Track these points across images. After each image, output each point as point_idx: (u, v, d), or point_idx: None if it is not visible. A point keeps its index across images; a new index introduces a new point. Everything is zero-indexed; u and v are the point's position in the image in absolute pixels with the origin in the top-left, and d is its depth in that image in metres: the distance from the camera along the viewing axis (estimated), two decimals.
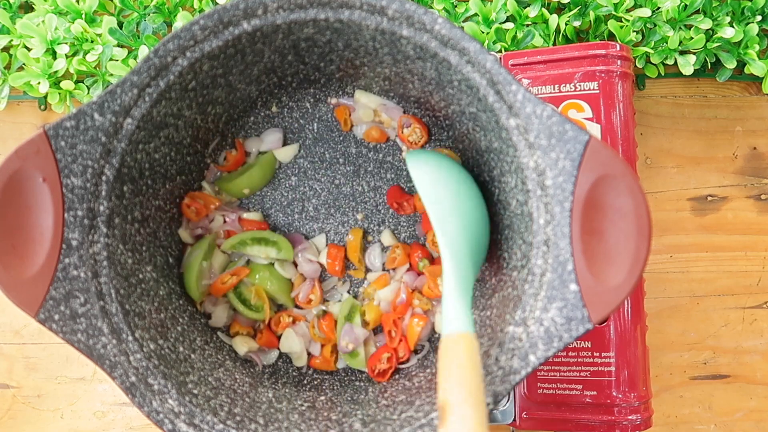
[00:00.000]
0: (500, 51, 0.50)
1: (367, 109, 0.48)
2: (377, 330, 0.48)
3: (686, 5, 0.49)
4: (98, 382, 0.53)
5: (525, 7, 0.51)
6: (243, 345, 0.46)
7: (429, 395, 0.39)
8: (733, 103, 0.54)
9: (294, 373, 0.47)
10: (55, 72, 0.51)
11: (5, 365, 0.53)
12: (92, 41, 0.51)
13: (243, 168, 0.48)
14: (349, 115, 0.48)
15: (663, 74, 0.51)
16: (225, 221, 0.48)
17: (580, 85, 0.46)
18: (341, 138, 0.49)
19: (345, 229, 0.49)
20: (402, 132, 0.48)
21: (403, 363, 0.47)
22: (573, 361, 0.45)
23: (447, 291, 0.37)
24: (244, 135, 0.49)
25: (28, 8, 0.54)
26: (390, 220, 0.49)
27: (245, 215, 0.48)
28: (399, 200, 0.48)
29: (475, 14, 0.51)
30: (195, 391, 0.38)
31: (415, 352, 0.47)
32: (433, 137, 0.49)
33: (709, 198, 0.53)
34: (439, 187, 0.42)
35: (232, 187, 0.47)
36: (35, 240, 0.36)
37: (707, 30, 0.50)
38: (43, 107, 0.54)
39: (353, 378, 0.47)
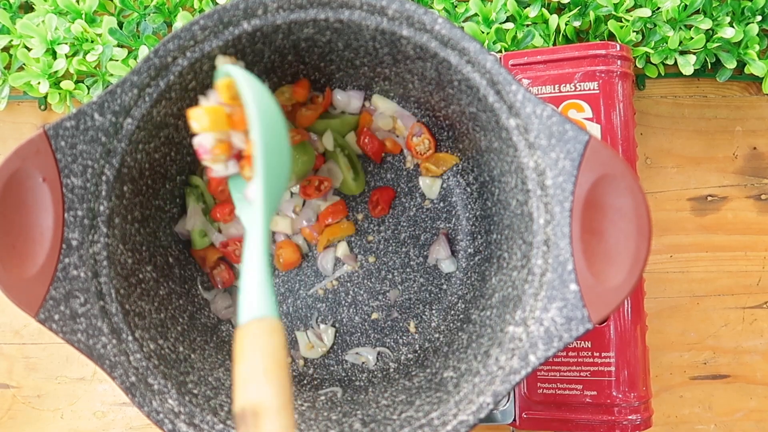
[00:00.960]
0: (500, 51, 0.50)
1: (386, 118, 0.48)
2: None
3: (686, 5, 0.49)
4: (98, 382, 0.53)
5: (525, 7, 0.51)
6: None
7: (429, 395, 0.39)
8: (733, 103, 0.54)
9: (294, 373, 0.47)
10: (55, 72, 0.51)
11: (5, 365, 0.53)
12: (92, 41, 0.51)
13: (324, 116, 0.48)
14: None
15: (663, 74, 0.51)
16: None
17: (580, 85, 0.46)
18: None
19: None
20: (411, 140, 0.48)
21: None
22: (573, 361, 0.45)
23: (250, 264, 0.31)
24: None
25: (28, 8, 0.54)
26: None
27: None
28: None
29: (475, 14, 0.51)
30: (195, 391, 0.38)
31: (416, 352, 0.48)
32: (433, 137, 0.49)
33: (709, 198, 0.53)
34: (265, 111, 0.34)
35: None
36: (35, 240, 0.36)
37: (707, 30, 0.50)
38: (43, 107, 0.54)
39: (353, 378, 0.47)
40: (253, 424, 0.26)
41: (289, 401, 0.27)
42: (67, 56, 0.51)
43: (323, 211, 0.48)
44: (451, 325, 0.47)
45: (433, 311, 0.48)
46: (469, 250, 0.48)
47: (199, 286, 0.48)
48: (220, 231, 0.48)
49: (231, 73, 0.36)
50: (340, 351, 0.48)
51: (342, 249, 0.48)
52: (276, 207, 0.35)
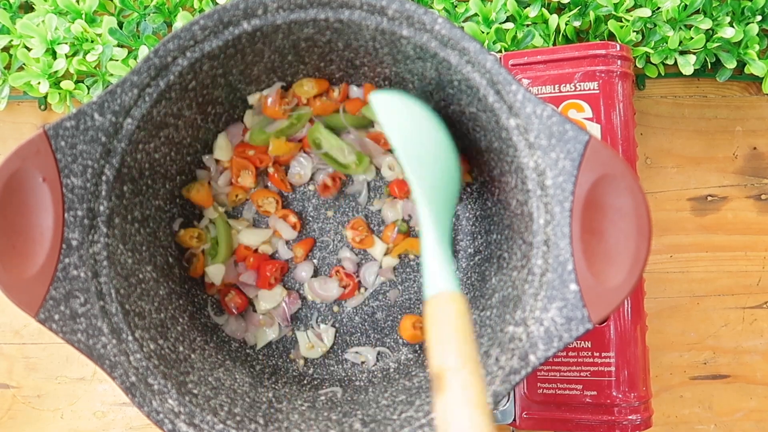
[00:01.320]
0: (500, 51, 0.50)
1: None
2: None
3: (686, 5, 0.49)
4: (98, 382, 0.53)
5: (525, 7, 0.51)
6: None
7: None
8: (733, 103, 0.54)
9: (294, 373, 0.47)
10: (55, 72, 0.51)
11: (5, 365, 0.53)
12: (92, 41, 0.51)
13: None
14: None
15: (663, 74, 0.51)
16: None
17: (580, 85, 0.46)
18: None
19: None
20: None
21: None
22: (573, 361, 0.45)
23: (428, 246, 0.35)
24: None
25: (28, 8, 0.54)
26: None
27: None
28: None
29: (475, 14, 0.51)
30: (195, 391, 0.38)
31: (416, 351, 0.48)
32: None
33: (709, 198, 0.53)
34: (408, 129, 0.39)
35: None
36: (35, 240, 0.36)
37: (707, 30, 0.50)
38: (43, 107, 0.54)
39: (353, 378, 0.47)
40: (442, 383, 0.29)
41: (471, 360, 0.29)
42: (67, 56, 0.51)
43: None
44: None
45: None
46: (469, 250, 0.48)
47: (210, 311, 0.47)
48: (235, 264, 0.48)
49: (371, 102, 0.40)
50: (340, 351, 0.48)
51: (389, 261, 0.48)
52: (449, 203, 0.39)
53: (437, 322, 0.31)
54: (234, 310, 0.48)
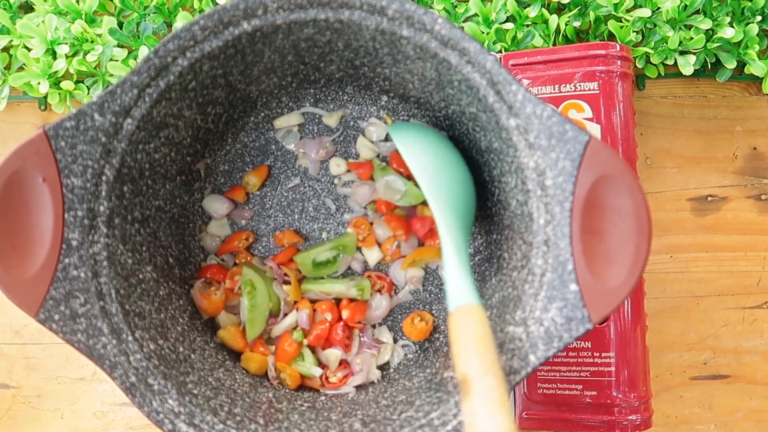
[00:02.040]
0: (500, 51, 0.50)
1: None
2: None
3: (686, 5, 0.49)
4: (98, 382, 0.53)
5: (525, 8, 0.51)
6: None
7: (429, 395, 0.39)
8: (733, 103, 0.54)
9: None
10: (55, 72, 0.51)
11: (5, 365, 0.53)
12: (92, 41, 0.51)
13: None
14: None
15: (663, 74, 0.51)
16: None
17: (580, 86, 0.46)
18: (341, 138, 0.49)
19: (344, 229, 0.49)
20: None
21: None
22: (573, 361, 0.45)
23: (449, 263, 0.38)
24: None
25: (28, 8, 0.54)
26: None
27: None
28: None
29: (475, 14, 0.51)
30: (195, 391, 0.38)
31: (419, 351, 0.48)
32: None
33: (709, 198, 0.53)
34: (425, 156, 0.43)
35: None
36: (35, 240, 0.36)
37: (707, 30, 0.50)
38: (43, 107, 0.54)
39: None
40: (468, 388, 0.31)
41: (492, 367, 0.31)
42: (67, 56, 0.51)
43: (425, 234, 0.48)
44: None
45: (433, 311, 0.48)
46: (469, 250, 0.48)
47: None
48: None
49: (390, 134, 0.45)
50: None
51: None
52: (467, 222, 0.42)
53: (461, 333, 0.33)
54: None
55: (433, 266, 0.48)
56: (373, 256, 0.48)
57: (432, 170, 0.42)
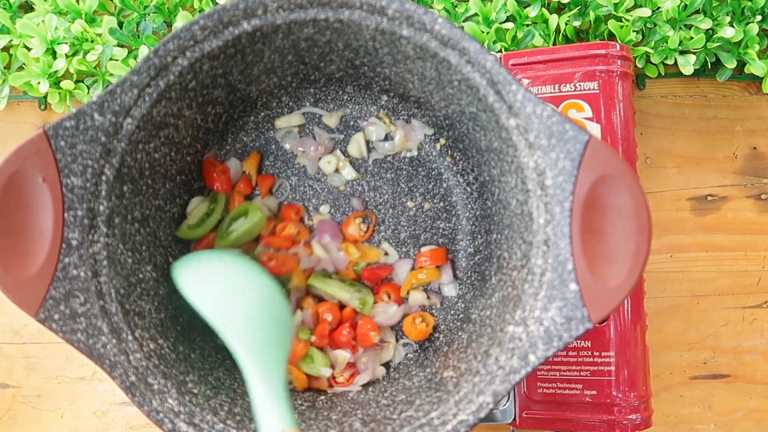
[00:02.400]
0: (500, 51, 0.50)
1: None
2: None
3: (686, 5, 0.49)
4: (98, 382, 0.53)
5: (525, 7, 0.51)
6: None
7: (429, 395, 0.39)
8: (733, 103, 0.54)
9: None
10: (55, 72, 0.51)
11: (5, 365, 0.53)
12: (92, 41, 0.51)
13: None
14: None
15: (663, 74, 0.51)
16: None
17: (580, 85, 0.46)
18: (341, 138, 0.49)
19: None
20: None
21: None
22: (573, 361, 0.45)
23: (258, 397, 0.37)
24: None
25: (28, 8, 0.54)
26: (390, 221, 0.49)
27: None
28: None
29: (475, 14, 0.51)
30: (195, 391, 0.38)
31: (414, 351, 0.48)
32: (432, 135, 0.49)
33: (709, 198, 0.53)
34: (219, 291, 0.39)
35: None
36: (35, 240, 0.36)
37: (707, 30, 0.50)
38: (43, 107, 0.54)
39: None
40: None
41: None
42: (67, 56, 0.51)
43: (420, 254, 0.48)
44: (451, 324, 0.47)
45: (433, 310, 0.48)
46: (469, 250, 0.48)
47: None
48: None
49: (173, 274, 0.40)
50: None
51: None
52: (280, 349, 0.39)
53: None
54: None
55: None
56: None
57: (230, 304, 0.38)
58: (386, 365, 0.47)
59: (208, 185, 0.47)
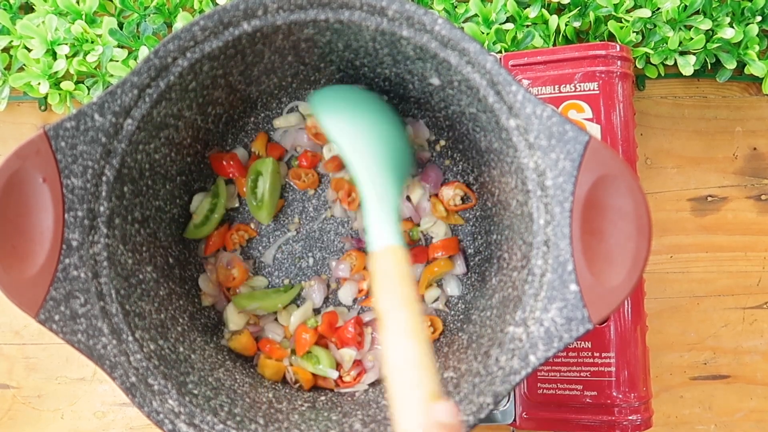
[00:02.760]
0: (500, 51, 0.50)
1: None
2: None
3: (686, 6, 0.49)
4: (98, 383, 0.53)
5: (525, 8, 0.51)
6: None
7: None
8: (733, 103, 0.54)
9: None
10: (56, 73, 0.51)
11: (5, 365, 0.53)
12: (92, 42, 0.51)
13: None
14: None
15: (663, 75, 0.51)
16: None
17: (580, 86, 0.46)
18: None
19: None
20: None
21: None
22: (573, 362, 0.45)
23: (369, 209, 0.39)
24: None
25: (29, 9, 0.54)
26: None
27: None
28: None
29: (475, 15, 0.51)
30: (195, 392, 0.38)
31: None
32: (434, 136, 0.49)
33: (709, 198, 0.53)
34: (348, 120, 0.42)
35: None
36: (35, 240, 0.36)
37: (707, 30, 0.50)
38: (43, 108, 0.54)
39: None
40: (383, 321, 0.33)
41: (405, 302, 0.33)
42: (67, 57, 0.51)
43: (433, 245, 0.48)
44: (451, 325, 0.47)
45: (441, 314, 0.48)
46: (469, 251, 0.48)
47: (211, 312, 0.48)
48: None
49: (310, 105, 0.44)
50: None
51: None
52: (398, 177, 0.41)
53: (380, 272, 0.35)
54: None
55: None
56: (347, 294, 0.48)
57: (357, 133, 0.41)
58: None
59: (222, 175, 0.48)
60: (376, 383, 0.46)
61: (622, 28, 0.49)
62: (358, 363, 0.47)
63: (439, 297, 0.48)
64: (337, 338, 0.47)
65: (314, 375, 0.46)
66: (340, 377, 0.46)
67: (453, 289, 0.48)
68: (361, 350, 0.47)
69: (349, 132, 0.41)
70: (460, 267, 0.47)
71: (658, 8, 0.49)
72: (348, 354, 0.46)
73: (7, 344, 0.53)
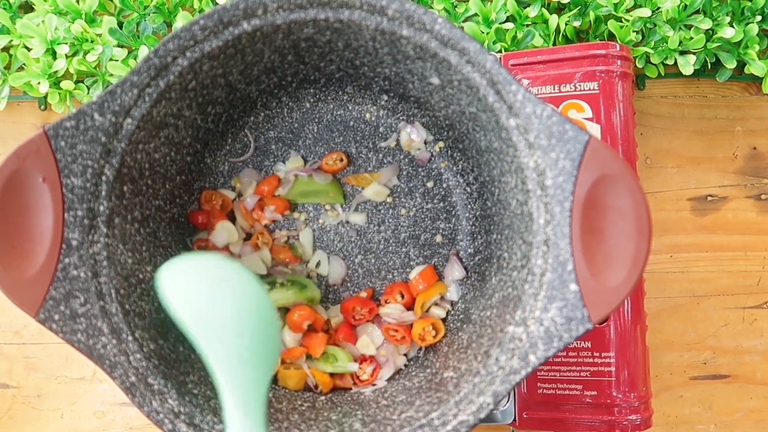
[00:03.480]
0: (500, 51, 0.50)
1: None
2: None
3: (686, 5, 0.49)
4: (98, 382, 0.53)
5: (525, 7, 0.51)
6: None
7: (429, 395, 0.39)
8: (733, 103, 0.54)
9: None
10: (55, 72, 0.51)
11: (5, 365, 0.53)
12: (92, 41, 0.51)
13: None
14: None
15: (663, 74, 0.51)
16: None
17: (580, 85, 0.46)
18: (341, 139, 0.49)
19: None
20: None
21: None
22: (573, 361, 0.45)
23: (230, 415, 0.32)
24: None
25: (28, 8, 0.54)
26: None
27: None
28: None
29: (475, 14, 0.51)
30: (195, 391, 0.38)
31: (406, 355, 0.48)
32: (433, 137, 0.49)
33: (709, 198, 0.53)
34: (202, 301, 0.33)
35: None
36: (35, 240, 0.36)
37: (707, 30, 0.50)
38: (43, 107, 0.54)
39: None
40: None
41: None
42: (67, 56, 0.51)
43: (411, 283, 0.48)
44: (451, 325, 0.47)
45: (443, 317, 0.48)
46: (469, 250, 0.48)
47: None
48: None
49: (158, 282, 0.34)
50: None
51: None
52: (263, 369, 0.34)
53: None
54: None
55: (448, 284, 0.48)
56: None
57: (213, 315, 0.33)
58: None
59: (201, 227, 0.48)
60: (393, 378, 0.46)
61: (622, 27, 0.49)
62: (371, 359, 0.46)
63: (440, 303, 0.48)
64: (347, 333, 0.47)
65: (332, 377, 0.46)
66: (358, 377, 0.46)
67: (453, 294, 0.48)
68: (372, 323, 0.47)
69: (203, 314, 0.33)
70: (458, 272, 0.47)
71: (658, 7, 0.49)
72: (364, 341, 0.46)
73: (7, 344, 0.53)
